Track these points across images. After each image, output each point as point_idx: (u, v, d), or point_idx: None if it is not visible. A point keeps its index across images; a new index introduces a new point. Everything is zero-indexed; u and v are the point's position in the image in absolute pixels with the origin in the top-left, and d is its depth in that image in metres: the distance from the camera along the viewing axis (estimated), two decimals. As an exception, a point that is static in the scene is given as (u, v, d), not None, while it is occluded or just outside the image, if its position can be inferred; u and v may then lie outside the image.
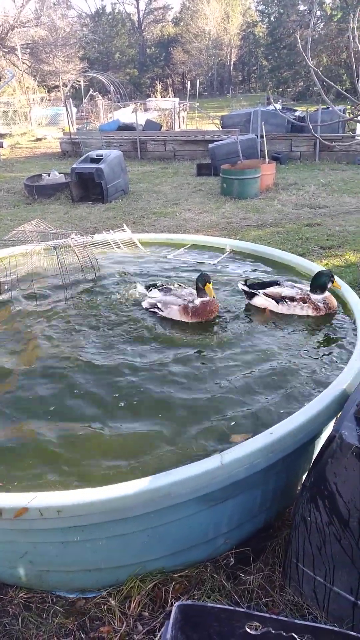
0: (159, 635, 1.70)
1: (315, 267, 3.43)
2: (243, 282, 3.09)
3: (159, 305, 2.95)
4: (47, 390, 2.30)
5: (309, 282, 3.01)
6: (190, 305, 2.88)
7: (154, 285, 3.17)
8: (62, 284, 3.32)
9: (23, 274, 3.55)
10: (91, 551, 1.77)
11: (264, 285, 3.03)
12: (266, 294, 2.94)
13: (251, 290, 3.00)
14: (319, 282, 2.88)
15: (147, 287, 3.20)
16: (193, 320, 2.86)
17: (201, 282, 2.84)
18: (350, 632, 0.99)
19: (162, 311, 2.93)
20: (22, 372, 2.45)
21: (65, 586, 1.91)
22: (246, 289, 3.02)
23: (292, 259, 3.63)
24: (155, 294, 3.04)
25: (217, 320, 2.88)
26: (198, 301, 2.87)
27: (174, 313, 2.90)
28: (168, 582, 1.88)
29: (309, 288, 2.93)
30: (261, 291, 2.96)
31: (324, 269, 3.08)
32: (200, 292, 2.86)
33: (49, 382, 2.35)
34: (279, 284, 3.00)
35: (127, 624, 1.78)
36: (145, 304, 3.03)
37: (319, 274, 2.92)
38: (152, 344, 2.65)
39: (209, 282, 2.82)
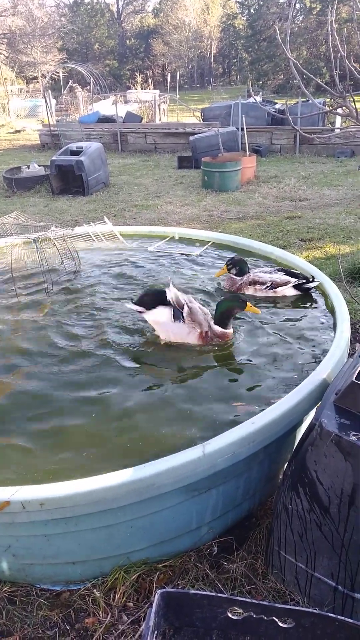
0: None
1: (297, 259, 3.46)
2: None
3: (186, 305, 2.53)
4: (28, 385, 2.29)
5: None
6: (210, 333, 2.52)
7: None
8: (43, 277, 3.29)
9: (2, 266, 3.51)
10: (75, 543, 1.77)
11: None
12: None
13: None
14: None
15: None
16: (203, 345, 2.52)
17: (239, 305, 2.48)
18: (330, 614, 1.02)
19: (178, 320, 2.51)
20: None
21: (50, 579, 1.91)
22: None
23: (273, 251, 3.65)
24: (176, 295, 2.55)
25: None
26: (219, 330, 2.52)
27: (188, 335, 2.52)
28: (152, 572, 1.90)
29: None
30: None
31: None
32: (225, 321, 2.51)
33: (27, 376, 2.34)
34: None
35: (112, 615, 1.79)
36: (170, 294, 2.52)
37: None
38: (133, 337, 2.64)
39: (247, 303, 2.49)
